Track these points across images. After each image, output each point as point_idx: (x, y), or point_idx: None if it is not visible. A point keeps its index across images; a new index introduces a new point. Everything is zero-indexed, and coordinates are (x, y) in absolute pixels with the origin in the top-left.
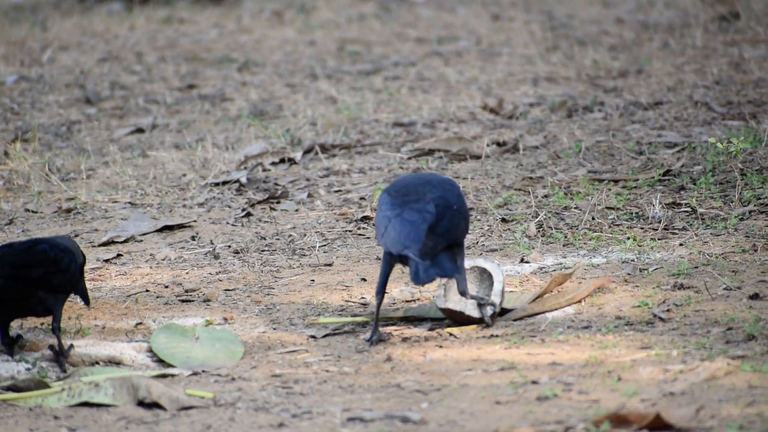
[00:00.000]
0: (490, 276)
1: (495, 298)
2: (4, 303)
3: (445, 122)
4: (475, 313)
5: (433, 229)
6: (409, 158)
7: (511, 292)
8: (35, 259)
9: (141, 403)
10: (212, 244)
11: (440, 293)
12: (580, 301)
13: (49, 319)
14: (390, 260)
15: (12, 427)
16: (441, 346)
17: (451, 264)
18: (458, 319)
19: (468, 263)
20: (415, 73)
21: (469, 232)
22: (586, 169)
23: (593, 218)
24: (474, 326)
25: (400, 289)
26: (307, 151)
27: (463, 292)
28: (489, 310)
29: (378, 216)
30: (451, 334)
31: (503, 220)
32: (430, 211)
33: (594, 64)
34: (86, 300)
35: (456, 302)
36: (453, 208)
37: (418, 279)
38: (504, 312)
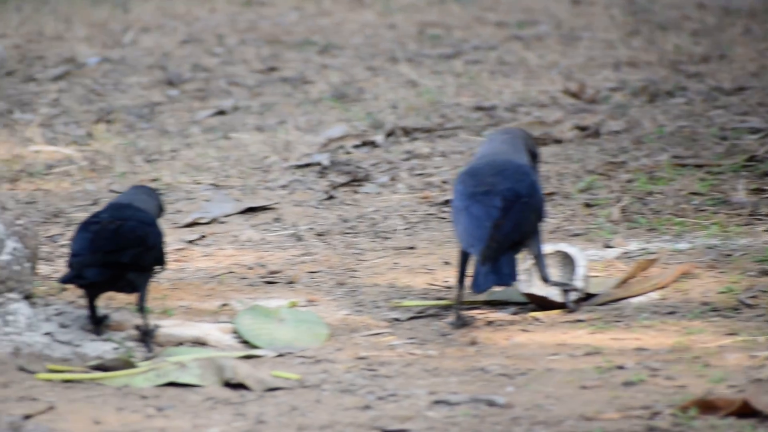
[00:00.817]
0: (572, 260)
1: (578, 283)
2: (94, 286)
3: (526, 106)
4: (558, 298)
5: (498, 227)
6: None
7: (595, 277)
8: (124, 240)
9: (227, 384)
10: (295, 226)
11: (524, 277)
12: (665, 287)
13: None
14: (463, 251)
15: (100, 405)
16: (526, 330)
17: (511, 269)
18: (542, 303)
19: (550, 248)
20: (495, 57)
21: (552, 216)
22: (669, 154)
23: (677, 203)
24: (558, 311)
25: None
26: (388, 135)
27: (544, 279)
28: (573, 295)
29: (452, 202)
30: (535, 319)
31: (586, 204)
32: (496, 206)
33: (676, 49)
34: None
35: (540, 287)
36: (522, 201)
37: (477, 286)
38: (588, 297)
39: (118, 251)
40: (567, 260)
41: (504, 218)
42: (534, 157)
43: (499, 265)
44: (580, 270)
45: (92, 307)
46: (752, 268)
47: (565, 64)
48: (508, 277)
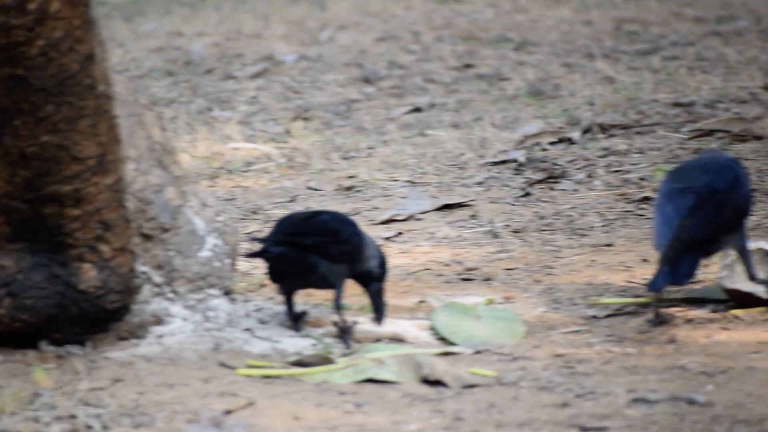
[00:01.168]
0: None
1: None
2: (284, 273)
3: (725, 102)
4: (764, 295)
5: (684, 226)
6: (689, 138)
7: None
8: (313, 227)
9: (424, 381)
10: (491, 223)
11: (725, 273)
12: None
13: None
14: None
15: (299, 401)
16: (726, 328)
17: (690, 269)
18: (745, 301)
19: (751, 245)
20: (693, 52)
21: (752, 214)
22: None
23: None
24: (760, 308)
25: None
26: (585, 131)
27: (751, 276)
28: None
29: (656, 200)
30: (735, 317)
31: None
32: (686, 205)
33: None
34: (379, 310)
35: (744, 283)
36: (717, 196)
37: (653, 285)
38: None
39: (304, 235)
40: (767, 258)
41: (693, 216)
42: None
43: (677, 264)
44: None
45: (290, 303)
46: None
47: (765, 59)
48: (684, 276)
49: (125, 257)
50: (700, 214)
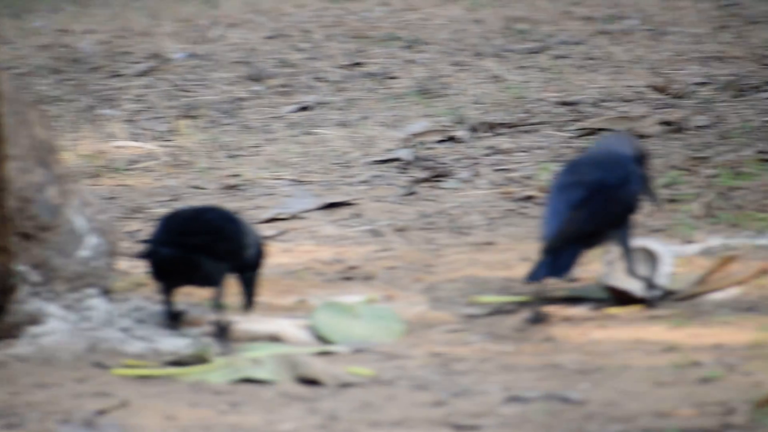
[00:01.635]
0: (656, 257)
1: (663, 279)
2: (168, 273)
3: (611, 101)
4: (641, 293)
5: (573, 219)
6: (575, 137)
7: (675, 273)
8: (198, 226)
9: (301, 380)
10: (375, 222)
11: (606, 270)
12: (745, 283)
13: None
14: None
15: (173, 401)
16: (602, 327)
17: (568, 262)
18: (623, 298)
19: (634, 243)
20: (581, 51)
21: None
22: (754, 149)
23: (761, 199)
24: (637, 306)
25: None
26: (471, 130)
27: (631, 272)
28: (657, 292)
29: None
30: (612, 315)
31: (669, 200)
32: (575, 197)
33: (764, 43)
34: (248, 298)
35: (622, 281)
36: (607, 192)
37: (532, 276)
38: (668, 294)
39: (191, 235)
40: (650, 257)
41: (581, 210)
42: (642, 159)
43: (558, 256)
44: (666, 268)
45: (168, 302)
46: None
47: (652, 58)
48: (563, 269)
49: (1, 257)
50: (589, 208)
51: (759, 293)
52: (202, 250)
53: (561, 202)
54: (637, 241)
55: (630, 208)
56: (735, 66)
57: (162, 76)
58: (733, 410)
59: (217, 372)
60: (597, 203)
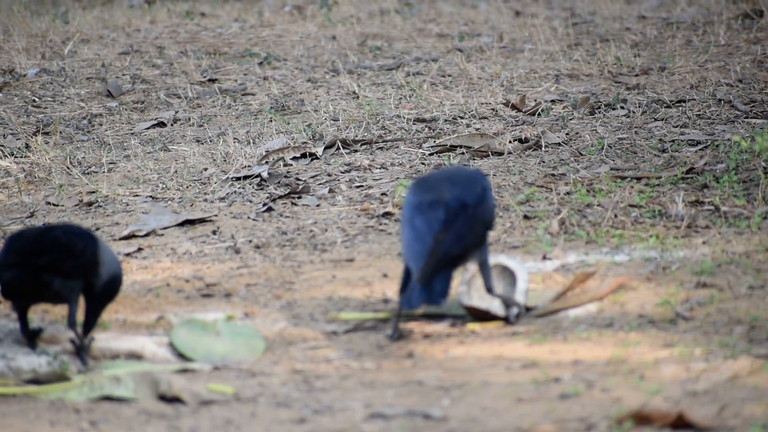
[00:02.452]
0: (512, 274)
1: (520, 297)
2: (18, 292)
3: (466, 118)
4: (500, 312)
5: (439, 242)
6: (431, 154)
7: (532, 290)
8: (45, 245)
9: (162, 398)
10: (233, 238)
11: (464, 290)
12: (602, 299)
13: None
14: (406, 264)
15: (33, 420)
16: (463, 343)
17: (444, 287)
18: (482, 317)
19: (491, 260)
20: (436, 68)
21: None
22: (608, 166)
23: (616, 216)
24: (497, 323)
25: None
26: (328, 146)
27: (489, 289)
28: (515, 310)
29: (402, 212)
30: (472, 331)
31: (525, 216)
32: (438, 219)
33: (616, 61)
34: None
35: (481, 299)
36: (468, 211)
37: (409, 303)
38: (526, 310)
39: (37, 255)
40: (506, 273)
41: (446, 232)
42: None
43: (432, 282)
44: (522, 284)
45: (24, 320)
46: (690, 280)
47: (506, 76)
48: (438, 295)
49: None
50: (453, 229)
51: (616, 310)
52: (50, 269)
53: (422, 223)
54: (494, 258)
55: (488, 225)
56: (588, 83)
57: (15, 92)
58: (593, 426)
59: (77, 390)
60: (461, 224)
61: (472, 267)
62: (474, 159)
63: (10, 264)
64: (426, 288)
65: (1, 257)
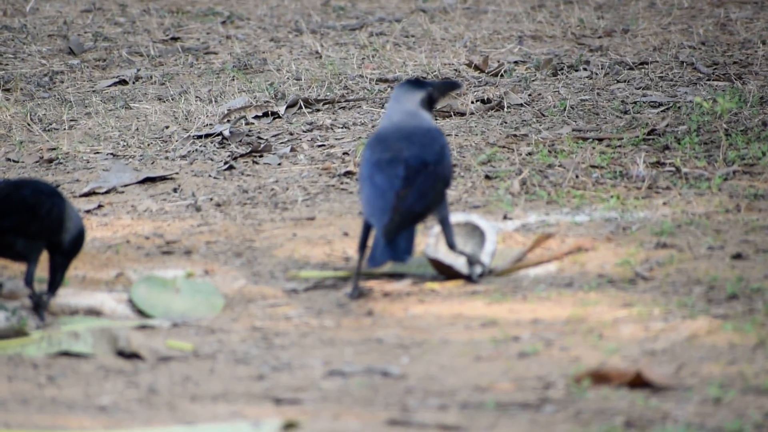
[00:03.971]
0: (480, 234)
1: (485, 258)
2: None
3: (430, 79)
4: (464, 269)
5: (402, 199)
6: None
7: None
8: (11, 206)
9: (120, 354)
10: (194, 196)
11: (432, 242)
12: (562, 259)
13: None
14: (366, 221)
15: None
16: (422, 302)
17: (408, 244)
18: (445, 272)
19: (462, 218)
20: (400, 29)
21: (453, 188)
22: (570, 127)
23: (577, 176)
24: (457, 282)
25: None
26: (290, 106)
27: (451, 246)
28: (478, 269)
29: (359, 168)
30: (432, 290)
31: (487, 177)
32: (399, 176)
33: (580, 22)
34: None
35: (446, 255)
36: (429, 169)
37: (373, 260)
38: (489, 272)
39: (2, 216)
40: (476, 232)
41: (408, 188)
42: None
43: (396, 240)
44: (489, 246)
45: None
46: (649, 240)
47: (470, 37)
48: (404, 252)
49: None
50: (415, 186)
51: (576, 269)
52: (14, 230)
53: (384, 180)
54: (463, 216)
55: (447, 183)
56: (551, 45)
57: None
58: (551, 384)
59: (35, 345)
60: (422, 182)
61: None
62: (436, 119)
63: None
64: (390, 245)
65: None
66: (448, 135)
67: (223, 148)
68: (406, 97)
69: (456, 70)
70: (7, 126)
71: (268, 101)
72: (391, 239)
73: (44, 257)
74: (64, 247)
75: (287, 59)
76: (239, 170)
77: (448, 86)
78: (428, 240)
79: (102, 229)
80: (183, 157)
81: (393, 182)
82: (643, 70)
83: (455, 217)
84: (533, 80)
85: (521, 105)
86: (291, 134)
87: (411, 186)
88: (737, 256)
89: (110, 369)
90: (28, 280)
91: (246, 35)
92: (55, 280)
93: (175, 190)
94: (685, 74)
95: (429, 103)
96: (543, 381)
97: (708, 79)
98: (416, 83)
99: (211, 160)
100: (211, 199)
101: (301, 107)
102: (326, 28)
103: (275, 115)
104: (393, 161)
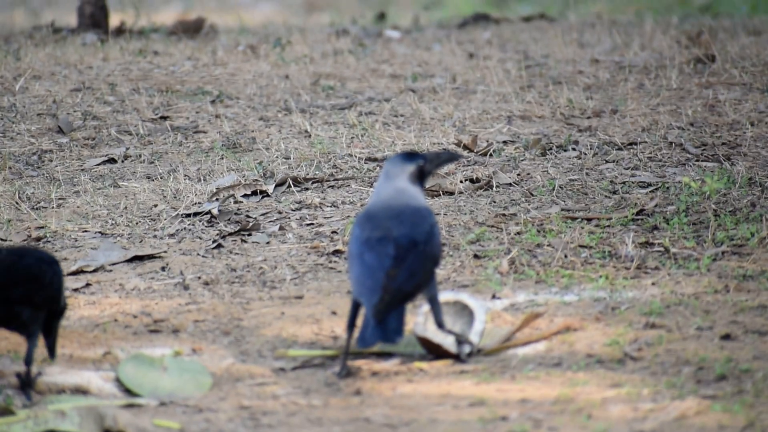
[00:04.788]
0: (470, 312)
1: (474, 337)
2: None
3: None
4: (453, 348)
5: (392, 278)
6: None
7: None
8: (18, 275)
9: None
10: (182, 275)
11: (421, 320)
12: (550, 338)
13: (16, 346)
14: (355, 299)
15: None
16: (411, 381)
17: (398, 325)
18: (434, 351)
19: (452, 296)
20: (389, 108)
21: (442, 267)
22: (559, 207)
23: (566, 256)
24: (445, 361)
25: None
26: (279, 184)
27: (439, 324)
28: (467, 348)
29: (348, 246)
30: (420, 369)
31: (475, 256)
32: (389, 255)
33: (569, 103)
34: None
35: (435, 333)
36: (419, 248)
37: (363, 341)
38: (478, 351)
39: (10, 286)
40: (465, 311)
41: (398, 268)
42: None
43: (386, 320)
44: (478, 325)
45: None
46: (638, 320)
47: (459, 116)
48: (394, 333)
49: None
50: (405, 266)
51: (564, 349)
52: (22, 301)
53: (373, 259)
54: (452, 295)
55: (436, 261)
56: (540, 125)
57: None
58: None
59: (21, 424)
60: (412, 261)
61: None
62: (425, 198)
63: None
64: (380, 326)
65: None
66: (437, 214)
67: (212, 226)
68: (396, 171)
69: (445, 149)
70: None
71: (257, 180)
72: (381, 319)
73: None
74: (59, 312)
75: (276, 138)
76: (228, 249)
77: (445, 158)
78: (417, 318)
79: (89, 308)
80: (171, 235)
81: (383, 261)
82: (631, 150)
83: (445, 296)
84: (522, 160)
85: (510, 184)
86: (280, 213)
87: (401, 265)
88: (726, 337)
89: None
90: (29, 359)
91: (235, 114)
92: (54, 344)
93: (163, 269)
94: (674, 155)
95: (420, 177)
96: None
97: (697, 160)
98: (407, 156)
99: (200, 238)
100: (199, 278)
101: (290, 186)
102: (315, 107)
103: (264, 194)
104: (383, 240)
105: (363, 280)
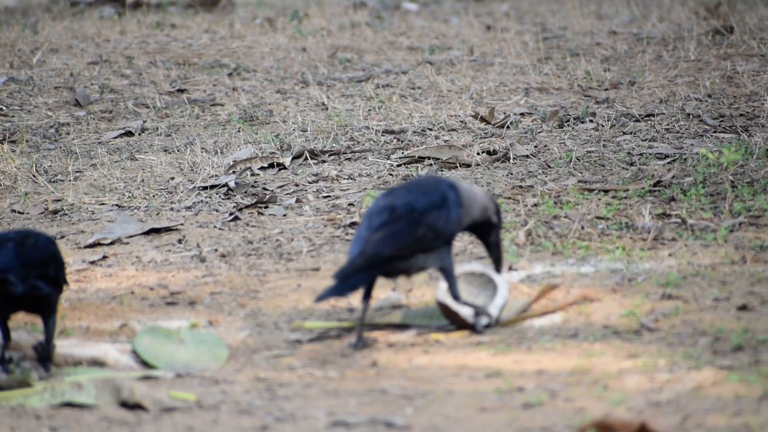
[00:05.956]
0: (494, 286)
1: (494, 310)
2: (13, 303)
3: (435, 130)
4: (470, 318)
5: (371, 242)
6: (399, 165)
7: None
8: (45, 256)
9: (123, 404)
10: (199, 247)
11: (442, 286)
12: (567, 309)
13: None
14: None
15: None
16: (427, 352)
17: (358, 282)
18: (452, 318)
19: (479, 268)
20: (406, 81)
21: (458, 239)
22: (576, 178)
23: (582, 227)
24: (461, 332)
25: (386, 295)
26: (296, 157)
27: (455, 296)
28: (484, 320)
29: None
30: (437, 341)
31: None
32: (378, 222)
33: (586, 75)
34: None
35: (456, 303)
36: (413, 215)
37: (318, 297)
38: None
39: (44, 266)
40: (490, 285)
41: (380, 231)
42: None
43: (349, 278)
44: (500, 299)
45: (4, 326)
46: (655, 291)
47: (476, 89)
48: (347, 289)
49: None
50: (389, 231)
51: (581, 320)
52: (51, 280)
53: (365, 226)
54: (480, 267)
55: (442, 233)
56: (557, 97)
57: None
58: None
59: (38, 396)
60: (398, 226)
61: (458, 269)
62: (442, 170)
63: (25, 276)
64: (341, 284)
65: (14, 266)
66: (455, 186)
67: (229, 199)
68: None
69: (462, 121)
70: (13, 177)
71: (273, 152)
72: (345, 278)
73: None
74: (60, 292)
75: (293, 111)
76: (244, 221)
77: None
78: (439, 283)
79: (106, 280)
80: (188, 208)
81: (372, 227)
82: (649, 122)
83: (471, 267)
84: (539, 132)
85: (527, 156)
86: (296, 185)
87: (383, 230)
88: (743, 308)
89: (113, 420)
90: (50, 337)
91: (252, 87)
92: (51, 327)
93: (180, 241)
94: (692, 126)
95: None
96: (547, 431)
97: (714, 131)
98: None
99: (216, 211)
100: (216, 250)
101: (306, 158)
102: (332, 80)
103: (281, 167)
104: (384, 209)
105: (352, 245)
